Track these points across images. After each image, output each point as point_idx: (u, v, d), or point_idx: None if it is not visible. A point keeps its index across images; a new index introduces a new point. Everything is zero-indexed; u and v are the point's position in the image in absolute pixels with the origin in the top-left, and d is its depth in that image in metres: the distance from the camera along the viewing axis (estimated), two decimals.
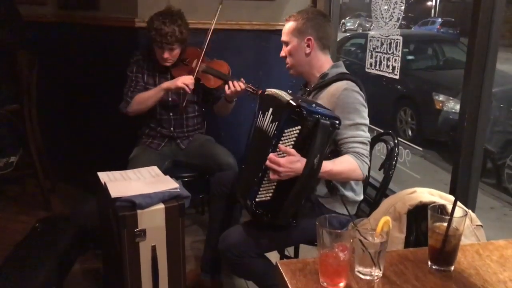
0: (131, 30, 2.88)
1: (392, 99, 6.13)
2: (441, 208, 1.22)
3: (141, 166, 2.41)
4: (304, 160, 1.63)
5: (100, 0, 3.10)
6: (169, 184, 2.06)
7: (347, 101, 1.82)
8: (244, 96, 2.54)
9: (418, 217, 1.38)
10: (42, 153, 3.32)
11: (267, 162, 1.65)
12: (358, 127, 1.80)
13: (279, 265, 1.15)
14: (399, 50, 2.33)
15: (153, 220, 1.94)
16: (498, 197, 4.40)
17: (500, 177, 4.54)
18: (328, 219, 1.13)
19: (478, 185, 1.87)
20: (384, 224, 1.11)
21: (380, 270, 1.10)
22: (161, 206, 1.95)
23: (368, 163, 1.80)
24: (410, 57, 6.69)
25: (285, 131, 1.70)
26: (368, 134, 1.83)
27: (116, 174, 2.23)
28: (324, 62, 2.00)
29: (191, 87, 2.49)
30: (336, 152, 1.84)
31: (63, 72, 3.38)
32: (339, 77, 1.91)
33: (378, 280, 1.09)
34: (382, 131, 2.35)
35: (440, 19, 15.61)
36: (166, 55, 2.52)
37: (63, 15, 3.34)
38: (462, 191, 1.87)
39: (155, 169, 2.31)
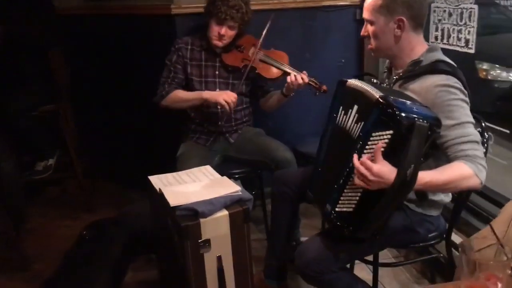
0: (167, 17, 2.67)
1: None
2: None
3: (191, 163, 2.25)
4: (395, 171, 1.38)
5: None
6: (230, 187, 1.87)
7: (447, 97, 1.53)
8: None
9: None
10: (81, 153, 3.19)
11: (357, 165, 1.41)
12: (464, 126, 1.51)
13: None
14: (473, 21, 2.07)
15: (217, 228, 1.76)
16: None
17: None
18: None
19: None
20: None
21: None
22: (225, 212, 1.77)
23: (485, 165, 1.48)
24: None
25: (373, 134, 1.46)
26: (477, 132, 1.54)
27: (169, 177, 2.05)
28: (416, 45, 1.67)
29: (232, 106, 2.31)
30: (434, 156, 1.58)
31: (96, 67, 3.21)
32: (435, 67, 1.60)
33: None
34: None
35: None
36: (223, 31, 2.33)
37: (90, 7, 3.14)
38: None
39: (208, 169, 2.13)
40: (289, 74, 2.30)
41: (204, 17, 2.42)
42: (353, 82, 1.67)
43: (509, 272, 0.85)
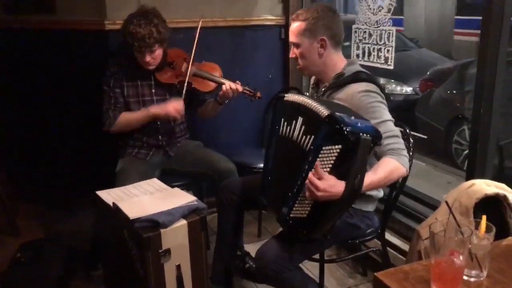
0: (100, 33, 2.66)
1: None
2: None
3: (132, 178, 2.27)
4: (343, 183, 1.55)
5: (57, 1, 2.82)
6: (185, 197, 1.95)
7: (368, 101, 1.77)
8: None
9: (487, 209, 1.39)
10: (1, 173, 3.02)
11: (307, 183, 1.56)
12: (386, 123, 1.75)
13: (380, 277, 1.11)
14: (392, 41, 2.35)
15: (176, 237, 1.82)
16: (452, 172, 4.64)
17: (450, 153, 4.78)
18: None
19: (492, 168, 1.94)
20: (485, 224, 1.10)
21: (486, 270, 1.09)
22: (183, 222, 1.84)
23: (407, 154, 1.73)
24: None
25: (323, 148, 1.60)
26: (397, 128, 1.78)
27: (117, 191, 2.07)
28: (338, 60, 1.93)
29: (183, 113, 2.40)
30: None
31: (19, 83, 3.07)
32: (356, 77, 1.85)
33: (485, 281, 1.09)
34: None
35: None
36: (147, 58, 2.36)
37: (12, 21, 3.01)
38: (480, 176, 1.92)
39: (156, 181, 2.18)
40: (224, 84, 2.41)
41: None
42: (290, 96, 1.84)
43: (469, 246, 1.05)
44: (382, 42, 2.40)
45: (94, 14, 2.69)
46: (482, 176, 1.92)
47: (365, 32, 2.50)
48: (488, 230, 1.10)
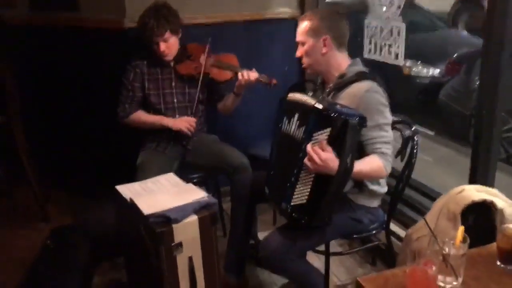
0: (119, 31, 2.78)
1: None
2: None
3: (152, 171, 2.40)
4: (337, 161, 1.67)
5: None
6: (197, 193, 2.06)
7: (369, 102, 1.85)
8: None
9: (479, 214, 1.45)
10: (32, 162, 3.21)
11: (309, 149, 1.67)
12: (382, 128, 1.85)
13: (362, 282, 1.20)
14: (402, 37, 2.37)
15: (187, 232, 1.94)
16: None
17: None
18: None
19: (495, 169, 1.97)
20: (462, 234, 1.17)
21: (461, 277, 1.16)
22: (194, 217, 1.95)
23: (391, 161, 1.87)
24: None
25: (314, 134, 1.73)
26: (390, 133, 1.89)
27: (135, 186, 2.20)
28: (341, 61, 2.01)
29: (193, 130, 2.56)
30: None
31: (46, 77, 3.24)
32: (359, 77, 1.93)
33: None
34: None
35: None
36: (162, 47, 2.50)
37: (37, 18, 3.16)
38: (482, 177, 1.96)
39: (172, 177, 2.29)
40: (238, 73, 2.50)
41: None
42: (291, 95, 1.97)
43: (441, 258, 1.12)
44: (393, 37, 2.43)
45: (114, 12, 2.80)
46: (485, 175, 1.96)
47: (376, 27, 2.53)
48: (464, 240, 1.17)
